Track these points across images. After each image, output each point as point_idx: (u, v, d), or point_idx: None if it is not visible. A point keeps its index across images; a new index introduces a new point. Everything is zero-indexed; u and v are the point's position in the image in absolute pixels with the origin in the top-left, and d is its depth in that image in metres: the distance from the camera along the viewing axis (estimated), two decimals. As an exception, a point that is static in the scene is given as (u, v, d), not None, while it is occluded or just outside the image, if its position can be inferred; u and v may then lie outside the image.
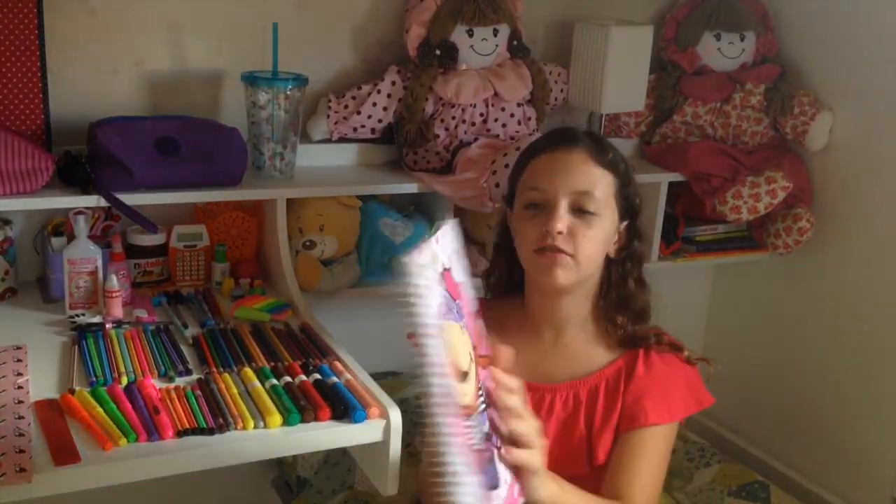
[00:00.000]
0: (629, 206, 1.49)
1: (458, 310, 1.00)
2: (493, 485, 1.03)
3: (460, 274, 1.04)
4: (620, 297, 1.51)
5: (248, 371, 1.63)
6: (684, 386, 1.48)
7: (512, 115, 2.21)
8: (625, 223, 1.49)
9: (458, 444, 0.95)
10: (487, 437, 1.03)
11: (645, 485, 1.40)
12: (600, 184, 1.43)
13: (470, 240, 2.27)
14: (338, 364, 1.68)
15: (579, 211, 1.41)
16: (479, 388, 1.03)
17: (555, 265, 1.40)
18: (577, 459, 1.45)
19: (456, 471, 0.94)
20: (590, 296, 1.50)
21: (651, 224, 2.29)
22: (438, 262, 0.96)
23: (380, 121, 2.18)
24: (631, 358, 1.49)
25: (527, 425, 1.11)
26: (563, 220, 1.40)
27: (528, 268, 1.47)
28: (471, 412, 0.99)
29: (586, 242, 1.41)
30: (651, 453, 1.43)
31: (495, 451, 1.04)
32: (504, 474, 1.06)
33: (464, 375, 0.98)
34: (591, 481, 1.39)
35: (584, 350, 1.50)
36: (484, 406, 1.02)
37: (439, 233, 1.01)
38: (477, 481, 0.98)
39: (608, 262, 1.50)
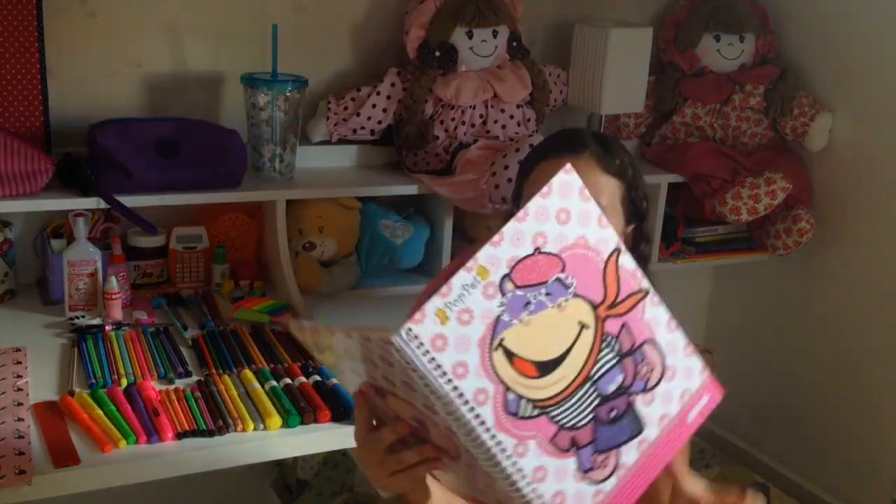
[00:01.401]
0: (636, 210, 1.47)
1: (556, 289, 0.91)
2: (635, 432, 0.97)
3: (582, 230, 0.94)
4: None
5: (248, 373, 1.63)
6: None
7: (511, 117, 2.21)
8: (631, 226, 1.47)
9: (531, 451, 0.89)
10: (617, 394, 0.95)
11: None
12: (606, 191, 1.40)
13: (469, 241, 2.27)
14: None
15: None
16: (602, 346, 0.93)
17: None
18: None
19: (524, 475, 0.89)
20: None
21: (651, 225, 2.28)
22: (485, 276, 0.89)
23: (379, 122, 2.18)
24: None
25: None
26: None
27: None
28: (565, 396, 0.91)
29: None
30: (679, 462, 1.43)
31: (633, 399, 0.97)
32: (658, 409, 0.99)
33: (544, 367, 0.91)
34: None
35: None
36: (613, 359, 0.94)
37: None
38: (565, 464, 0.92)
39: None
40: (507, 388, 0.88)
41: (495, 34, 2.17)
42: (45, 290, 1.95)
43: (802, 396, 2.55)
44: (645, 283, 0.97)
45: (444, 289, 0.86)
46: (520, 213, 0.91)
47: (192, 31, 2.07)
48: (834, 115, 2.37)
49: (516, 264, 0.89)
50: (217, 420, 1.48)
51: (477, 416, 0.85)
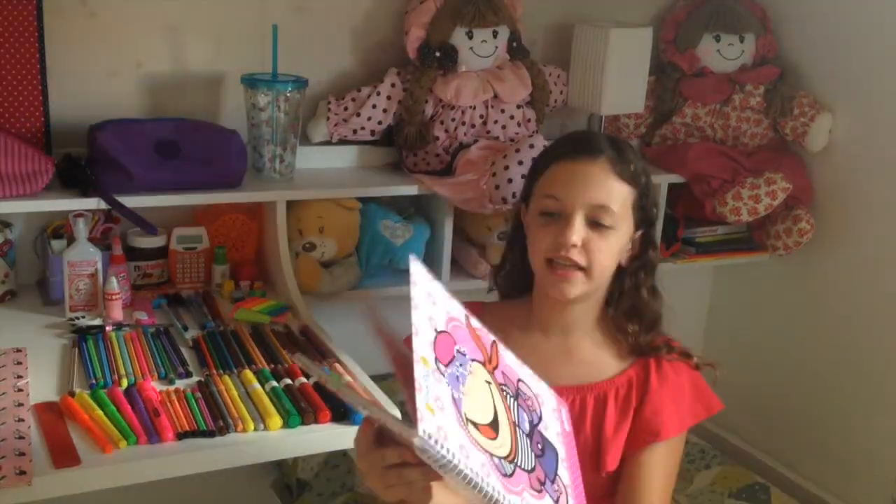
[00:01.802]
0: (645, 217, 1.47)
1: (462, 360, 1.05)
2: (556, 455, 1.13)
3: (445, 306, 1.10)
4: (633, 306, 1.48)
5: (248, 373, 1.63)
6: (693, 393, 1.47)
7: (511, 117, 2.21)
8: (639, 232, 1.47)
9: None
10: (531, 430, 1.12)
11: (661, 498, 1.41)
12: (618, 197, 1.40)
13: (470, 242, 2.27)
14: (338, 366, 1.68)
15: (595, 224, 1.39)
16: (509, 406, 1.09)
17: (565, 281, 1.38)
18: (583, 465, 1.43)
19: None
20: (599, 303, 1.48)
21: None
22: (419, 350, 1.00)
23: (379, 123, 2.18)
24: (642, 368, 1.46)
25: None
26: (578, 232, 1.37)
27: (538, 276, 1.46)
28: (515, 446, 1.05)
29: (600, 256, 1.39)
30: (667, 466, 1.42)
31: (540, 429, 1.14)
32: (553, 429, 1.17)
33: (494, 426, 1.04)
34: (597, 487, 1.38)
35: (592, 356, 1.47)
36: (515, 402, 1.11)
37: (415, 284, 1.10)
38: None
39: (620, 270, 1.48)
40: (491, 455, 1.00)
41: (495, 34, 2.17)
42: (46, 290, 1.95)
43: (802, 396, 2.55)
44: (490, 336, 1.13)
45: (416, 384, 0.95)
46: (412, 303, 1.06)
47: (193, 31, 2.07)
48: (834, 115, 2.37)
49: (434, 347, 1.01)
50: (217, 420, 1.48)
51: (492, 486, 0.97)
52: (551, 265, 1.39)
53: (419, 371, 0.95)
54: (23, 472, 1.30)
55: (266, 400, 1.54)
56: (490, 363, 1.09)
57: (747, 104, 2.41)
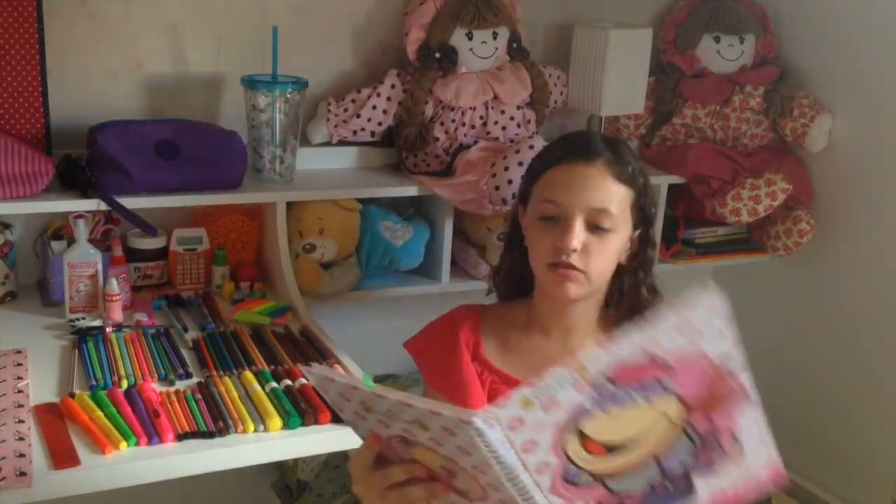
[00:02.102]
0: (644, 216, 1.47)
1: (653, 389, 0.93)
2: (683, 497, 1.00)
3: (715, 349, 0.97)
4: (634, 305, 1.48)
5: (249, 374, 1.63)
6: None
7: (511, 118, 2.21)
8: (638, 231, 1.47)
9: None
10: (680, 473, 0.98)
11: None
12: (617, 199, 1.39)
13: (470, 242, 2.27)
14: (338, 367, 1.68)
15: (595, 227, 1.39)
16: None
17: (567, 280, 1.38)
18: None
19: None
20: (599, 303, 1.48)
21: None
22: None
23: (379, 124, 2.18)
24: None
25: None
26: (578, 237, 1.37)
27: (539, 278, 1.45)
28: (626, 470, 0.95)
29: (600, 259, 1.39)
30: None
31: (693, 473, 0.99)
32: (715, 483, 1.01)
33: (622, 445, 0.94)
34: None
35: None
36: (689, 446, 0.97)
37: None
38: None
39: (619, 269, 1.48)
40: (571, 462, 0.91)
41: (495, 35, 2.17)
42: (46, 291, 1.95)
43: (803, 397, 2.55)
44: (747, 389, 0.99)
45: (534, 380, 0.88)
46: (643, 324, 0.90)
47: (193, 32, 2.07)
48: (834, 115, 2.37)
49: (622, 368, 0.90)
50: (217, 421, 1.48)
51: (534, 481, 0.89)
52: (552, 267, 1.39)
53: (559, 374, 0.88)
54: (23, 474, 1.30)
55: (266, 401, 1.54)
56: (703, 408, 0.98)
57: (747, 105, 2.41)
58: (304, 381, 1.61)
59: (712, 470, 1.00)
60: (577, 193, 1.38)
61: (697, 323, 0.92)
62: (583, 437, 0.91)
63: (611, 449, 0.93)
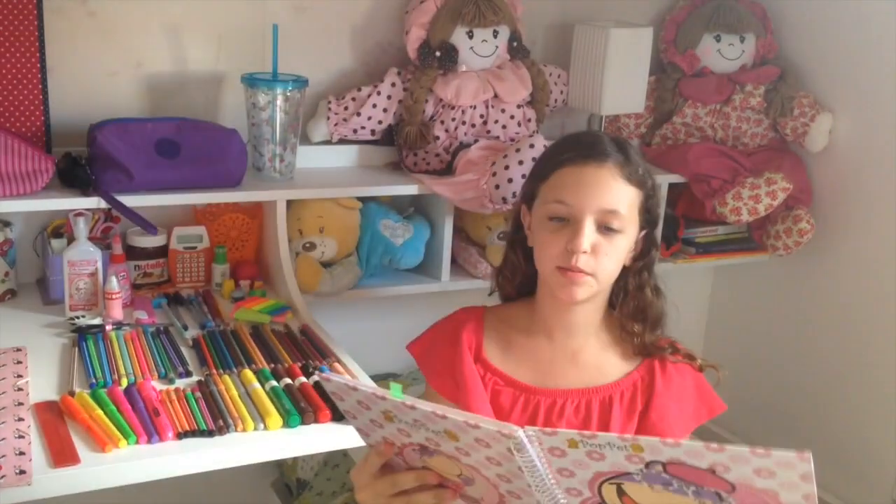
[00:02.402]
0: (650, 218, 1.46)
1: (678, 485, 0.91)
2: None
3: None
4: (638, 306, 1.48)
5: (248, 373, 1.63)
6: (697, 395, 1.47)
7: (512, 117, 2.21)
8: (643, 232, 1.47)
9: None
10: None
11: None
12: (627, 201, 1.39)
13: (470, 241, 2.27)
14: (338, 366, 1.68)
15: (605, 228, 1.38)
16: None
17: (574, 284, 1.37)
18: None
19: None
20: (603, 303, 1.47)
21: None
22: None
23: (380, 122, 2.18)
24: (647, 370, 1.45)
25: None
26: (588, 238, 1.36)
27: (545, 279, 1.45)
28: None
29: (608, 260, 1.38)
30: None
31: None
32: None
33: None
34: None
35: (597, 358, 1.46)
36: None
37: None
38: None
39: (623, 270, 1.47)
40: (604, 502, 0.92)
41: (496, 34, 2.17)
42: (46, 289, 1.95)
43: (802, 396, 2.55)
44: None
45: (587, 433, 0.88)
46: (714, 446, 0.87)
47: (193, 30, 2.07)
48: (834, 115, 2.37)
49: (680, 465, 0.88)
50: (217, 420, 1.48)
51: (565, 498, 0.93)
52: (560, 270, 1.39)
53: (611, 439, 0.87)
54: (23, 472, 1.30)
55: (266, 399, 1.54)
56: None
57: (747, 104, 2.41)
58: (303, 379, 1.61)
59: None
60: (587, 194, 1.38)
61: (783, 478, 0.86)
62: (621, 494, 0.92)
63: None
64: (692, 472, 0.88)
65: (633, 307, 1.47)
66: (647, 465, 0.88)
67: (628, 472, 0.89)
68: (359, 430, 1.05)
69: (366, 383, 1.00)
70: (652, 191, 1.45)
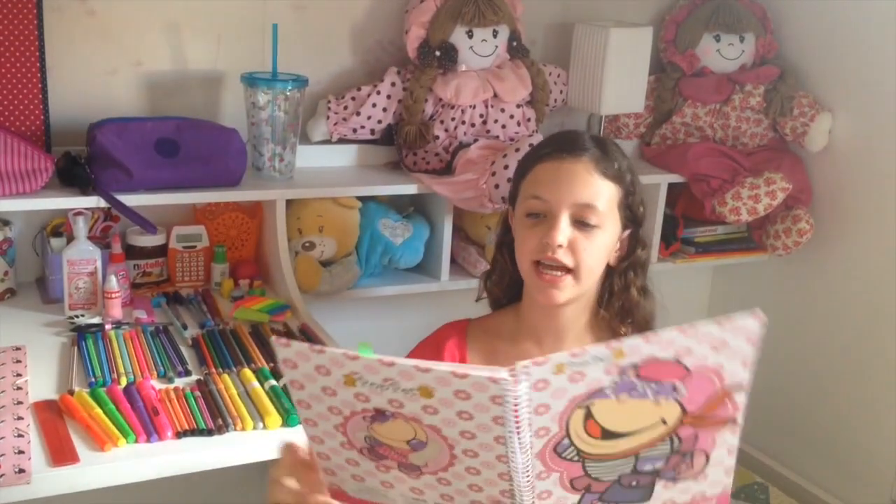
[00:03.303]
0: (632, 216, 1.45)
1: (664, 390, 0.96)
2: (640, 501, 1.03)
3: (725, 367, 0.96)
4: (624, 306, 1.45)
5: (248, 372, 1.63)
6: None
7: (511, 117, 2.21)
8: (627, 232, 1.46)
9: None
10: (648, 473, 1.02)
11: None
12: (604, 196, 1.38)
13: (469, 241, 2.27)
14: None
15: (581, 223, 1.37)
16: None
17: (553, 287, 1.36)
18: None
19: None
20: (589, 304, 1.45)
21: (651, 225, 2.29)
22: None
23: (379, 122, 2.18)
24: None
25: None
26: (563, 232, 1.34)
27: (526, 280, 1.44)
28: (608, 458, 0.99)
29: (587, 255, 1.36)
30: None
31: (657, 479, 1.03)
32: (670, 494, 1.04)
33: (616, 435, 0.98)
34: None
35: None
36: (666, 452, 1.00)
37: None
38: None
39: (609, 270, 1.46)
40: (568, 437, 0.95)
41: (495, 34, 2.17)
42: (45, 288, 1.95)
43: (802, 396, 2.55)
44: (739, 416, 0.99)
45: (577, 350, 0.90)
46: (688, 328, 0.92)
47: (192, 30, 2.07)
48: (834, 115, 2.37)
49: (652, 363, 0.92)
50: (216, 419, 1.48)
51: (530, 443, 0.93)
52: (538, 268, 1.37)
53: (598, 351, 0.91)
54: (22, 471, 1.30)
55: (265, 398, 1.54)
56: (695, 419, 0.99)
57: (747, 104, 2.41)
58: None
59: (673, 481, 1.02)
60: (562, 189, 1.37)
61: (732, 346, 0.94)
62: (588, 418, 0.94)
63: (606, 435, 0.96)
64: (660, 368, 0.92)
65: (618, 307, 1.45)
66: (623, 371, 0.92)
67: (601, 387, 0.92)
68: (300, 405, 1.04)
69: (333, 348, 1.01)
70: (632, 187, 1.43)
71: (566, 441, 0.95)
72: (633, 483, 1.00)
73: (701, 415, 0.97)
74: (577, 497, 1.00)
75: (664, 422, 0.96)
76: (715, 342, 0.93)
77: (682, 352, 0.92)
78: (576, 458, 0.97)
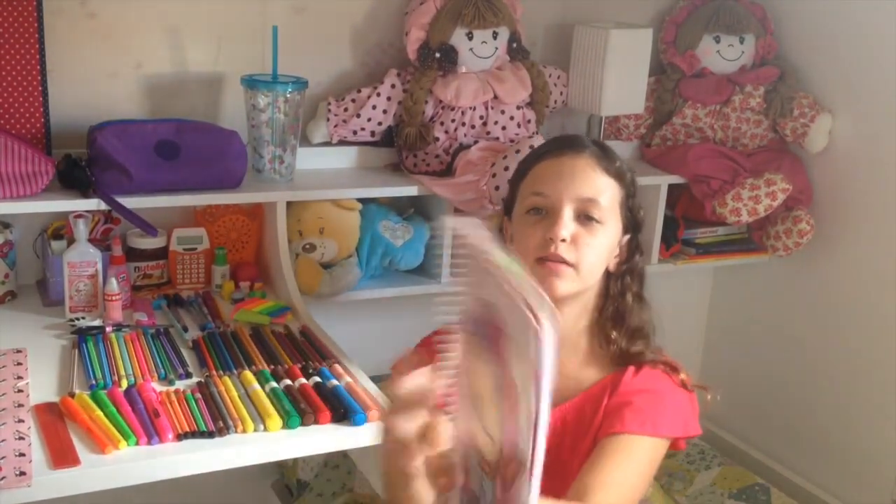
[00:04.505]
0: (633, 220, 1.44)
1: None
2: None
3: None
4: (617, 311, 1.44)
5: (248, 374, 1.63)
6: (672, 406, 1.39)
7: (511, 118, 2.21)
8: (627, 237, 1.45)
9: None
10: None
11: (614, 491, 1.26)
12: (606, 192, 1.38)
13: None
14: (338, 367, 1.68)
15: (584, 218, 1.36)
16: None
17: (554, 275, 1.34)
18: (565, 481, 1.34)
19: None
20: (587, 310, 1.44)
21: (651, 226, 2.29)
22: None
23: (379, 124, 2.18)
24: (617, 375, 1.40)
25: None
26: (567, 227, 1.34)
27: None
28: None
29: (589, 251, 1.35)
30: (626, 460, 1.30)
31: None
32: None
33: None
34: None
35: (576, 371, 1.42)
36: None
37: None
38: None
39: (607, 276, 1.45)
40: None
41: (495, 35, 2.17)
42: (46, 291, 1.95)
43: (802, 397, 2.55)
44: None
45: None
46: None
47: (192, 32, 2.07)
48: (834, 116, 2.37)
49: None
50: (217, 421, 1.48)
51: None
52: (540, 263, 1.36)
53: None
54: (23, 473, 1.30)
55: (266, 401, 1.54)
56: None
57: (747, 105, 2.41)
58: (303, 381, 1.61)
59: None
60: (565, 184, 1.37)
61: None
62: None
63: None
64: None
65: (612, 311, 1.44)
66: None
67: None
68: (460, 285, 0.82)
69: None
70: (632, 188, 1.43)
71: None
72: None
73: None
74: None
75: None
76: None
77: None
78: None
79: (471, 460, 0.85)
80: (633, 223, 1.45)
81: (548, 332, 0.73)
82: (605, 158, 1.40)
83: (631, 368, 1.41)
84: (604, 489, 1.26)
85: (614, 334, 1.43)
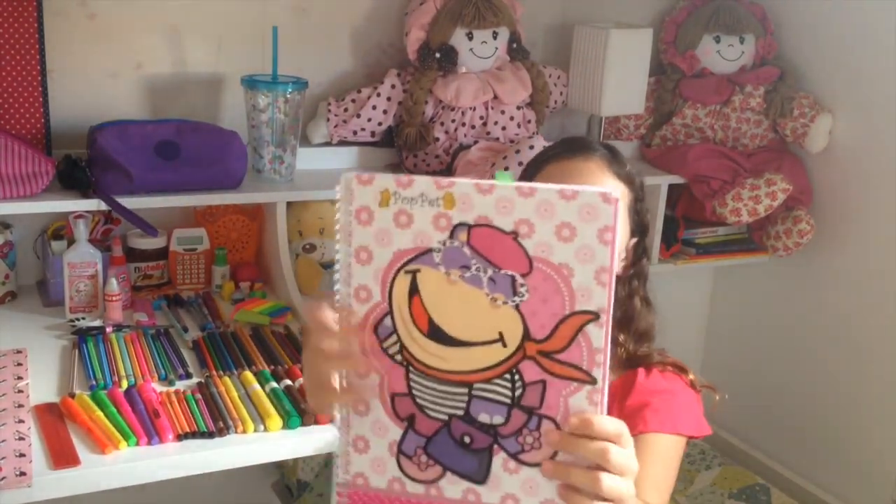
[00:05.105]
0: (640, 223, 1.45)
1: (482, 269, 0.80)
2: (475, 477, 0.84)
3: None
4: (626, 314, 1.44)
5: (249, 374, 1.63)
6: (686, 405, 1.40)
7: (512, 118, 2.21)
8: (634, 240, 1.46)
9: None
10: (483, 428, 0.83)
11: (653, 487, 1.28)
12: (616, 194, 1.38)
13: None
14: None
15: None
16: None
17: None
18: None
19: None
20: None
21: (651, 226, 2.28)
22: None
23: (379, 124, 2.18)
24: (629, 376, 1.40)
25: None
26: None
27: None
28: (435, 376, 0.82)
29: None
30: (658, 458, 1.31)
31: (497, 450, 0.83)
32: (512, 487, 0.83)
33: (446, 339, 0.81)
34: None
35: None
36: (505, 397, 0.82)
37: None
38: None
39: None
40: (390, 314, 0.81)
41: (495, 35, 2.17)
42: (46, 291, 1.95)
43: (802, 397, 2.55)
44: (598, 374, 0.80)
45: (405, 178, 0.77)
46: (527, 187, 0.78)
47: (193, 32, 2.07)
48: (834, 116, 2.37)
49: (483, 227, 0.79)
50: (217, 421, 1.48)
51: (350, 302, 0.81)
52: None
53: (426, 184, 0.79)
54: (23, 473, 1.30)
55: (266, 401, 1.54)
56: (542, 353, 0.82)
57: (747, 105, 2.41)
58: (303, 381, 1.61)
59: (517, 461, 0.83)
60: (575, 184, 1.37)
61: (583, 239, 0.79)
62: (413, 292, 0.80)
63: (434, 333, 0.81)
64: (495, 239, 0.78)
65: (619, 315, 1.44)
66: (453, 231, 0.78)
67: (430, 247, 0.79)
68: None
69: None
70: (641, 193, 1.44)
71: (388, 321, 0.81)
72: (467, 439, 0.83)
73: (549, 350, 0.79)
74: (399, 431, 0.84)
75: (503, 340, 0.80)
76: (560, 223, 0.78)
77: (521, 223, 0.78)
78: (398, 357, 0.82)
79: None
80: (639, 227, 1.45)
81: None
82: (616, 162, 1.40)
83: (641, 370, 1.42)
84: (645, 489, 1.24)
85: (622, 337, 1.43)
